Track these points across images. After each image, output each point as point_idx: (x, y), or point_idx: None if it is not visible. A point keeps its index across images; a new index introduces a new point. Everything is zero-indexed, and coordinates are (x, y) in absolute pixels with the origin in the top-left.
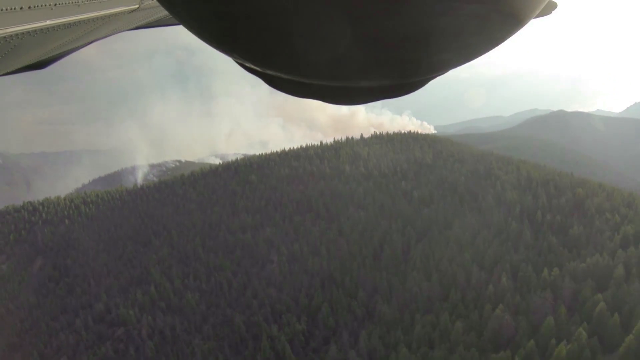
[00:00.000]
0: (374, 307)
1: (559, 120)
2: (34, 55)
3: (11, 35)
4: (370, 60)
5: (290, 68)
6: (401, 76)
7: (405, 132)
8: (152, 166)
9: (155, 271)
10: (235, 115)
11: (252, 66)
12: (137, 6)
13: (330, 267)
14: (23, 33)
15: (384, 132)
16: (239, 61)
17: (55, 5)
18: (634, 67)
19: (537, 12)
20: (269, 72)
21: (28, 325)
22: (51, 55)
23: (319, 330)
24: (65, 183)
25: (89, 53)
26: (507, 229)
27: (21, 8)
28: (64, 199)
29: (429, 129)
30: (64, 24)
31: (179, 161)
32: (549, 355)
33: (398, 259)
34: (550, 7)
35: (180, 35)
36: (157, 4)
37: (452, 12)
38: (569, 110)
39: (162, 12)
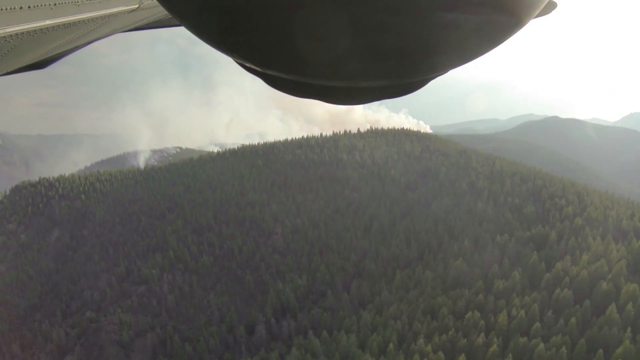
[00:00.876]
0: (363, 267)
1: (553, 126)
2: (34, 55)
3: (11, 35)
4: (370, 60)
5: (290, 68)
6: (401, 76)
7: (399, 128)
8: (153, 151)
9: (171, 239)
10: (234, 105)
11: (252, 66)
12: (136, 6)
13: (328, 237)
14: (23, 33)
15: (380, 128)
16: (239, 61)
17: (55, 5)
18: (633, 77)
19: (537, 12)
20: (269, 72)
21: (48, 288)
22: (51, 55)
23: (317, 286)
24: (64, 165)
25: None
26: (474, 208)
27: (21, 8)
28: (78, 177)
29: (425, 128)
30: (64, 24)
31: (180, 148)
32: (492, 290)
33: (385, 232)
34: (550, 7)
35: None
36: (157, 4)
37: (452, 12)
38: (563, 117)
39: (162, 12)
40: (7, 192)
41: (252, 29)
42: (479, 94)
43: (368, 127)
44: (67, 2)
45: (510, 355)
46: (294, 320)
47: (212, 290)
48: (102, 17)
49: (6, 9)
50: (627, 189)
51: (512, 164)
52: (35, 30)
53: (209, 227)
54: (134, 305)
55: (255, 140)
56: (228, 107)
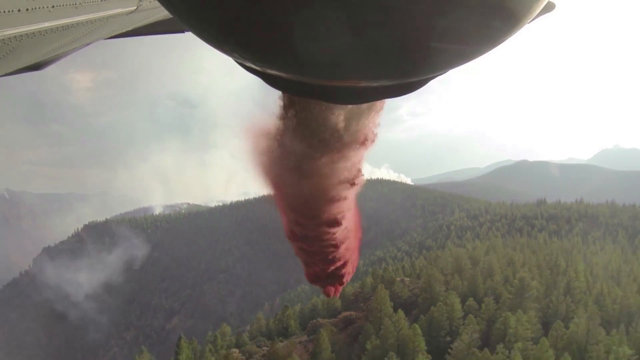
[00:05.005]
0: None
1: (522, 168)
2: (32, 57)
3: (9, 38)
4: (370, 60)
5: (290, 68)
6: (401, 76)
7: (377, 178)
8: (165, 207)
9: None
10: (231, 165)
11: (253, 66)
12: (135, 7)
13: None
14: (21, 35)
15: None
16: (240, 61)
17: (53, 7)
18: (607, 114)
19: (536, 12)
20: (269, 71)
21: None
22: (49, 57)
23: None
24: (69, 220)
25: (83, 97)
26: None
27: (19, 10)
28: (137, 218)
29: (406, 181)
30: (62, 26)
31: (188, 203)
32: None
33: None
34: (549, 8)
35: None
36: (156, 5)
37: (451, 12)
38: (531, 160)
39: (161, 14)
40: (80, 229)
41: (252, 28)
42: (460, 145)
43: None
44: (65, 4)
45: None
46: None
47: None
48: (100, 19)
49: (4, 12)
50: None
51: (446, 195)
52: (33, 33)
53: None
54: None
55: (254, 194)
56: (225, 167)
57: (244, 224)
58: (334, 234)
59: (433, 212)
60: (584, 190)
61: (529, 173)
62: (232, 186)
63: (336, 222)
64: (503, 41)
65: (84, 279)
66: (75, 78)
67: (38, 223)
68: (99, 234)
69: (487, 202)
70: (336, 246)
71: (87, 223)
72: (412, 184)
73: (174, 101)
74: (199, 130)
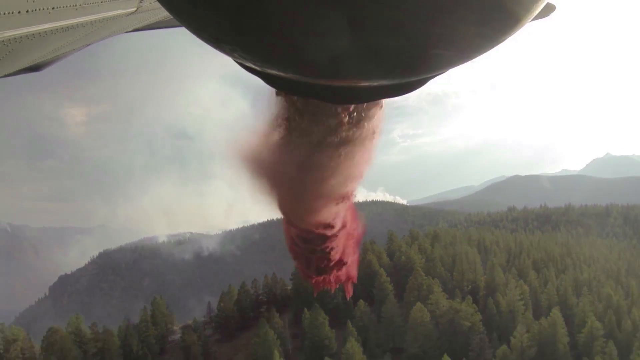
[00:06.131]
0: None
1: (514, 183)
2: (32, 58)
3: (9, 39)
4: (370, 60)
5: (290, 67)
6: (401, 76)
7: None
8: (169, 236)
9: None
10: (229, 194)
11: (252, 66)
12: (135, 9)
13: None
14: (22, 37)
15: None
16: (239, 61)
17: (53, 8)
18: (594, 124)
19: (536, 13)
20: (269, 71)
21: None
22: (49, 58)
23: None
24: (72, 253)
25: (78, 132)
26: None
27: (19, 12)
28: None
29: (402, 202)
30: (62, 27)
31: (191, 232)
32: None
33: None
34: (548, 10)
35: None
36: (155, 6)
37: (451, 12)
38: (523, 174)
39: (161, 14)
40: (95, 256)
41: (252, 28)
42: (455, 164)
43: None
44: (65, 5)
45: None
46: None
47: None
48: (100, 20)
49: (5, 13)
50: None
51: (444, 212)
52: (34, 34)
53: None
54: None
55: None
56: (223, 196)
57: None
58: (330, 236)
59: (421, 225)
60: (573, 199)
61: (520, 187)
62: (232, 215)
63: (331, 226)
64: (502, 41)
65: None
66: (69, 113)
67: (41, 256)
68: (115, 261)
69: (467, 214)
70: (331, 248)
71: (102, 251)
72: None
73: (170, 133)
74: (197, 162)
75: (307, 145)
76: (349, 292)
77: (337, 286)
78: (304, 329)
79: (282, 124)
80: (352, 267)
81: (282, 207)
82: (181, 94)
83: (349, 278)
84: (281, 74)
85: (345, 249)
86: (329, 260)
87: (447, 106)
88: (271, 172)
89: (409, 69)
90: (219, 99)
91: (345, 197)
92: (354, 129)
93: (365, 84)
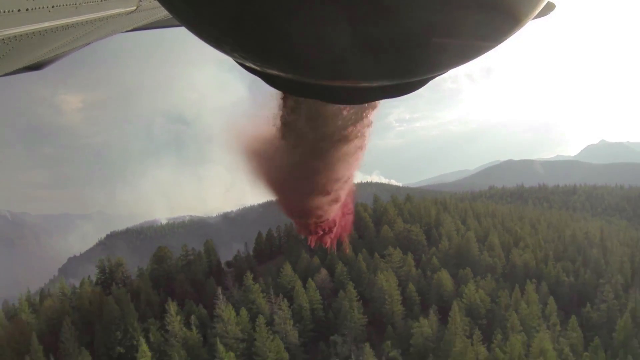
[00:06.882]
0: None
1: (508, 167)
2: (32, 57)
3: (9, 38)
4: (370, 60)
5: (290, 68)
6: (401, 76)
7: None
8: (169, 219)
9: None
10: (227, 178)
11: (252, 66)
12: (134, 7)
13: None
14: (21, 35)
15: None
16: (239, 61)
17: (53, 7)
18: (589, 110)
19: (536, 12)
20: (268, 71)
21: None
22: (49, 57)
23: None
24: (73, 238)
25: (74, 119)
26: None
27: (19, 10)
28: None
29: (397, 185)
30: (62, 26)
31: (191, 215)
32: None
33: None
34: (548, 9)
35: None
36: (155, 5)
37: (451, 12)
38: (516, 159)
39: (161, 14)
40: (104, 237)
41: (253, 29)
42: (451, 148)
43: None
44: (65, 4)
45: None
46: None
47: None
48: (100, 19)
49: (4, 12)
50: None
51: (436, 193)
52: (33, 33)
53: None
54: None
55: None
56: (221, 180)
57: None
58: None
59: None
60: (565, 183)
61: (514, 172)
62: (230, 198)
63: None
64: (503, 41)
65: None
66: (65, 99)
67: (42, 243)
68: (122, 242)
69: (453, 193)
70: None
71: (109, 233)
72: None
73: (167, 119)
74: (194, 146)
75: (305, 144)
76: (332, 246)
77: (330, 244)
78: None
79: (282, 123)
80: (342, 229)
81: (281, 201)
82: (178, 79)
83: (337, 236)
84: (281, 74)
85: (337, 219)
86: (322, 227)
87: (444, 91)
88: (269, 169)
89: (410, 69)
90: (216, 83)
91: (341, 189)
92: (352, 127)
93: (365, 84)
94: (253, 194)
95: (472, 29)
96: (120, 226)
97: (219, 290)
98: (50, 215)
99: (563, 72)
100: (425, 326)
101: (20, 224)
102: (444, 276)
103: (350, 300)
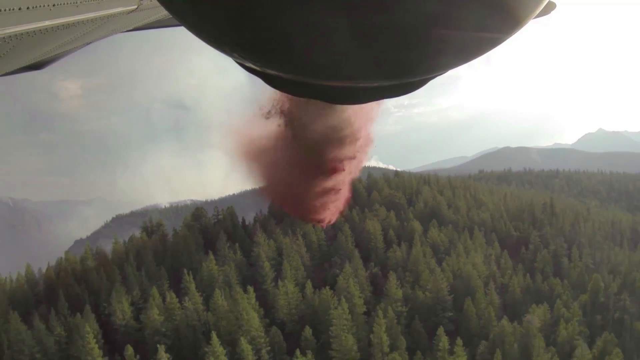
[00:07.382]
0: None
1: (505, 155)
2: (33, 55)
3: (10, 36)
4: (370, 60)
5: (290, 68)
6: (401, 76)
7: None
8: (170, 204)
9: None
10: (227, 164)
11: (252, 66)
12: (135, 7)
13: None
14: (22, 34)
15: None
16: (239, 61)
17: (54, 6)
18: (588, 99)
19: (537, 12)
20: (268, 71)
21: None
22: (49, 56)
23: None
24: (74, 225)
25: (73, 105)
26: None
27: (20, 9)
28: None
29: (395, 170)
30: (63, 25)
31: (192, 200)
32: None
33: None
34: (549, 8)
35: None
36: (156, 4)
37: (451, 12)
38: (513, 146)
39: (161, 13)
40: (109, 220)
41: (252, 28)
42: (449, 134)
43: None
44: (66, 2)
45: None
46: None
47: None
48: (101, 18)
49: (5, 10)
50: None
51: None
52: (34, 31)
53: None
54: None
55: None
56: (221, 165)
57: None
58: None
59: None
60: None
61: (510, 159)
62: (230, 183)
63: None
64: (503, 41)
65: None
66: (63, 86)
67: (44, 229)
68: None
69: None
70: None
71: (114, 216)
72: None
73: (166, 104)
74: (194, 131)
75: (304, 143)
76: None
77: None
78: None
79: (281, 121)
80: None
81: (275, 197)
82: (177, 64)
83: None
84: (281, 74)
85: (330, 203)
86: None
87: (443, 77)
88: (267, 167)
89: (409, 70)
90: (215, 69)
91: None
92: (351, 126)
93: (365, 84)
94: (252, 178)
95: (472, 29)
96: (124, 210)
97: (257, 225)
98: (52, 202)
99: (562, 61)
100: (398, 252)
101: (21, 211)
102: (416, 225)
103: (346, 237)
